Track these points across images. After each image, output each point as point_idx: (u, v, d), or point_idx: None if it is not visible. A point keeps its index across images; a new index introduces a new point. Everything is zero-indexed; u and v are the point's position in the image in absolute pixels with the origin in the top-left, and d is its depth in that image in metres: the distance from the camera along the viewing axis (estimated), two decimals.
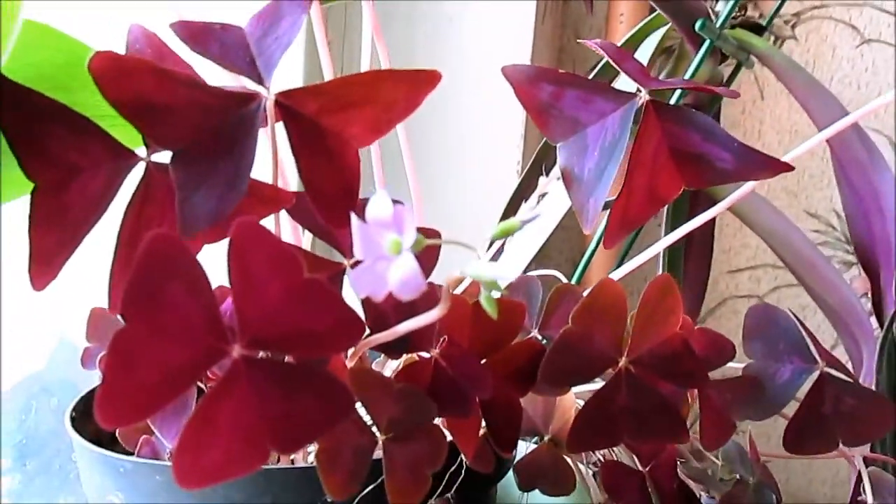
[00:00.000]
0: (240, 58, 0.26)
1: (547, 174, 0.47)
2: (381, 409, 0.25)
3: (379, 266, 0.20)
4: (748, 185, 0.31)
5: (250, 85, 0.26)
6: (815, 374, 0.29)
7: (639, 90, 0.30)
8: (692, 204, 0.67)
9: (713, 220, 0.72)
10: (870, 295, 0.57)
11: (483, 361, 0.29)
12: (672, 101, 0.54)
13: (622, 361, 0.28)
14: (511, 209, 0.59)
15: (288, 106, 0.25)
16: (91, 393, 0.37)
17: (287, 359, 0.20)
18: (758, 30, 0.60)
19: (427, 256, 0.26)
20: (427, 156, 0.72)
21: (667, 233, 0.56)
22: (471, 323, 0.28)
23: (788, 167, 0.29)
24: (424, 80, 0.26)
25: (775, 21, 0.82)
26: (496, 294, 0.21)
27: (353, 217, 0.20)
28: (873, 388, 0.51)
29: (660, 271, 0.59)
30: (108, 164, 0.25)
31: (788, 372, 0.29)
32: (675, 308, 0.28)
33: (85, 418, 0.35)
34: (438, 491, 0.29)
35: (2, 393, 0.56)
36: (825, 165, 0.85)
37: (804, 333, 0.30)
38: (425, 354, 0.28)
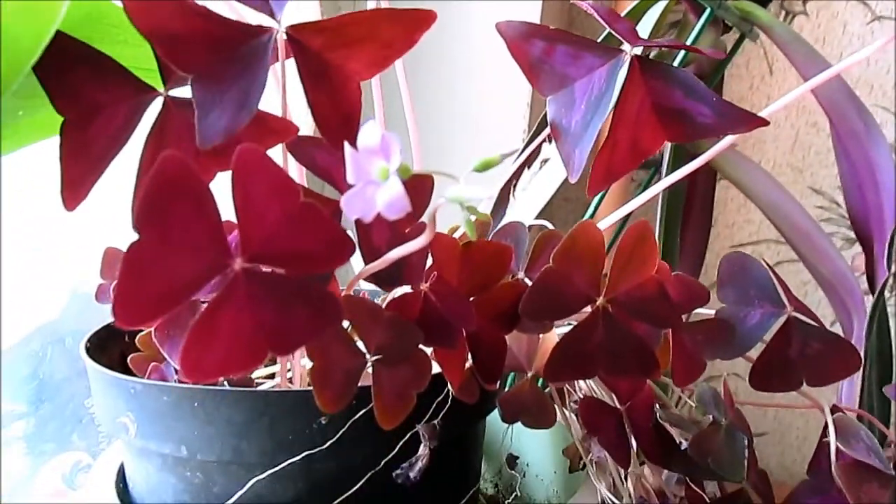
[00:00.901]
0: None
1: (550, 142, 0.48)
2: (371, 334, 0.27)
3: (368, 190, 0.21)
4: (727, 140, 0.32)
5: (264, 20, 0.28)
6: (783, 319, 0.31)
7: (624, 46, 0.32)
8: (692, 171, 0.68)
9: (713, 192, 0.73)
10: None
11: (471, 300, 0.31)
12: None
13: (599, 301, 0.30)
14: (515, 175, 0.61)
15: (297, 40, 0.28)
16: (104, 328, 0.39)
17: (283, 273, 0.22)
18: (762, 1, 0.60)
19: (419, 193, 0.28)
20: (436, 124, 0.74)
21: (664, 199, 0.58)
22: (460, 264, 0.30)
23: (764, 122, 0.30)
24: (421, 19, 0.28)
25: None
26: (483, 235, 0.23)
27: (346, 146, 0.22)
28: (862, 355, 0.53)
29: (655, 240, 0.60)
30: (130, 100, 0.28)
31: (758, 316, 0.31)
32: (652, 253, 0.30)
33: (99, 351, 0.38)
34: (426, 418, 0.31)
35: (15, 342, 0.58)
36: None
37: (775, 281, 0.31)
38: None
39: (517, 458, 0.41)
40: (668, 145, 0.59)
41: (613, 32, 0.33)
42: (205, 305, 0.21)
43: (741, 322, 0.31)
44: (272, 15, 0.28)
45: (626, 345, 0.30)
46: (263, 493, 0.31)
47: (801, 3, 0.84)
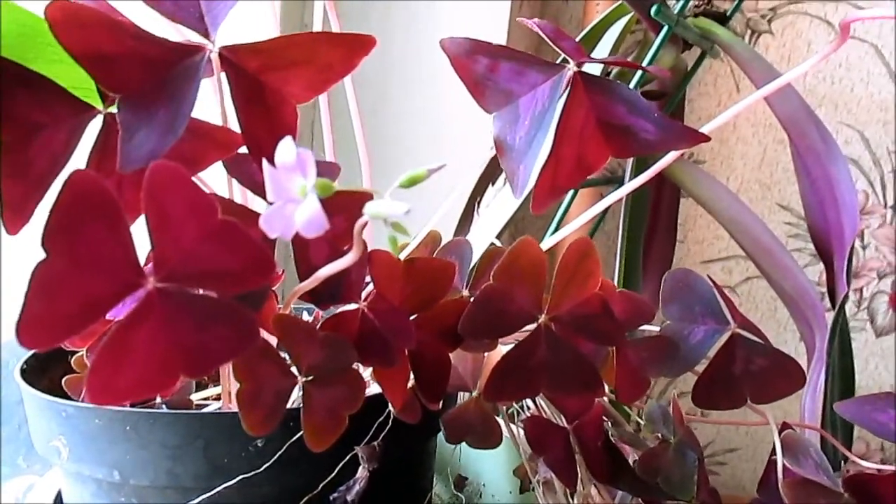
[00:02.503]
0: (190, 14, 0.28)
1: None
2: (304, 354, 0.26)
3: (288, 208, 0.21)
4: (673, 154, 0.32)
5: (197, 39, 0.28)
6: (727, 335, 0.31)
7: (567, 63, 0.31)
8: (656, 188, 0.68)
9: (677, 208, 0.73)
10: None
11: (414, 318, 0.30)
12: (632, 85, 0.56)
13: (542, 319, 0.29)
14: (478, 191, 0.61)
15: (231, 60, 0.27)
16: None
17: (200, 291, 0.22)
18: (721, 19, 0.61)
19: (350, 207, 0.27)
20: (402, 141, 0.74)
21: (626, 209, 0.57)
22: (402, 281, 0.30)
23: (705, 138, 0.30)
24: (360, 44, 0.28)
25: (752, 16, 0.83)
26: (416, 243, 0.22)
27: (265, 163, 0.21)
28: (824, 370, 0.53)
29: (618, 256, 0.60)
30: (69, 120, 0.27)
31: (702, 333, 0.31)
32: (594, 270, 0.30)
33: (37, 373, 0.37)
34: (366, 440, 0.30)
35: None
36: None
37: (719, 298, 0.31)
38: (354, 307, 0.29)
39: (466, 479, 0.40)
40: (629, 161, 0.59)
41: (557, 49, 0.32)
42: (115, 326, 0.20)
43: (685, 339, 0.31)
44: (206, 34, 0.28)
45: (569, 362, 0.30)
46: None
47: (767, 23, 0.85)
